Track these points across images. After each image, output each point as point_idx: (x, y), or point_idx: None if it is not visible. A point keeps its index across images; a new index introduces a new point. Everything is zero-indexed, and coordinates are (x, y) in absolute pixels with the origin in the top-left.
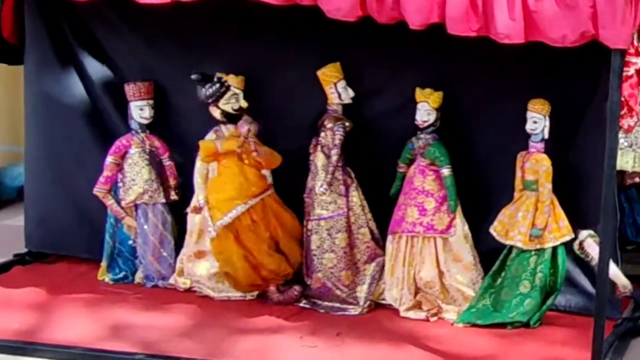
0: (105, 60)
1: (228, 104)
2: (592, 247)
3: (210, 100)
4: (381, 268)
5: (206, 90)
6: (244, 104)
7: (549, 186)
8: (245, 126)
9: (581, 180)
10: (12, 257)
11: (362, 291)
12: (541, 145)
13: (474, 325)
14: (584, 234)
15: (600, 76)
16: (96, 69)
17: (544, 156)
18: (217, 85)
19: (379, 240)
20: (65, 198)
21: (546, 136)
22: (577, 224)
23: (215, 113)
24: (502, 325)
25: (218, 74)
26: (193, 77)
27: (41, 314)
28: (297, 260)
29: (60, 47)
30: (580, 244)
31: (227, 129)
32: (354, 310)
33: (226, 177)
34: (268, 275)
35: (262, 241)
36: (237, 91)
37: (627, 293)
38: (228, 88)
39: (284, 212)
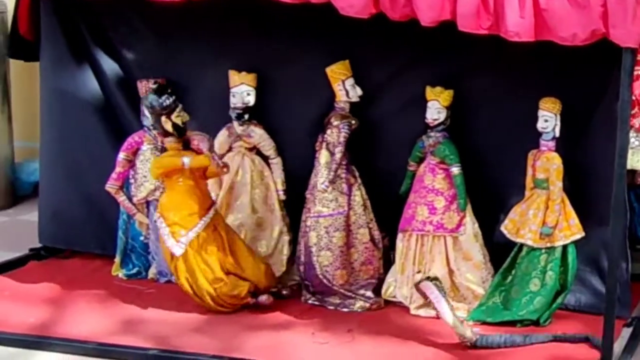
0: (119, 56)
1: (179, 117)
2: (430, 291)
3: (164, 112)
4: (377, 271)
5: (163, 101)
6: (187, 117)
7: (560, 184)
8: (206, 143)
9: (591, 179)
10: (27, 252)
11: (361, 292)
12: (552, 144)
13: (484, 322)
14: (418, 277)
15: (611, 75)
16: (111, 66)
17: (555, 155)
18: (173, 98)
19: (378, 243)
20: (78, 194)
21: (557, 134)
22: (587, 222)
23: (167, 125)
24: (511, 323)
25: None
26: (152, 86)
27: (56, 308)
28: (255, 273)
29: (75, 44)
30: (416, 285)
31: (169, 141)
32: (360, 308)
33: (182, 192)
34: (228, 300)
35: (215, 261)
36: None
37: (467, 343)
38: (178, 103)
39: (228, 226)
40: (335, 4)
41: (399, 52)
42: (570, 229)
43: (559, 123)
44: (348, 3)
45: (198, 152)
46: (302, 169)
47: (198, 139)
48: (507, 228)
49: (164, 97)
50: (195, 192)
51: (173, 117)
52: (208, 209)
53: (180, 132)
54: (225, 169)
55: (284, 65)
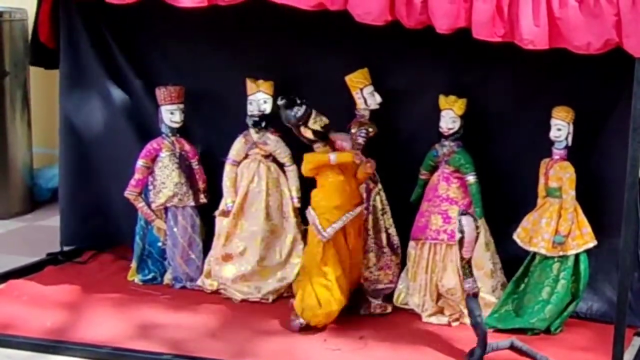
0: (142, 62)
1: (316, 123)
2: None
3: (300, 122)
4: (395, 276)
5: (295, 113)
6: (326, 120)
7: (573, 193)
8: (348, 142)
9: (604, 187)
10: (45, 257)
11: (374, 295)
12: (564, 153)
13: (496, 329)
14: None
15: (625, 83)
16: (133, 71)
17: (568, 163)
18: (304, 107)
19: (397, 248)
20: (100, 196)
21: (569, 143)
22: (600, 231)
23: (307, 134)
24: (523, 331)
25: (297, 97)
26: (280, 102)
27: (72, 313)
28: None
29: (97, 49)
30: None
31: (317, 147)
32: (364, 311)
33: (331, 187)
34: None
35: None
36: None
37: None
38: (312, 108)
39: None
40: (352, 12)
41: (416, 61)
42: (582, 238)
43: (571, 132)
44: (364, 10)
45: (342, 151)
46: None
47: (340, 139)
48: (519, 237)
49: (295, 109)
50: (344, 188)
51: (310, 124)
52: (355, 205)
53: (322, 136)
54: (369, 165)
55: (303, 73)
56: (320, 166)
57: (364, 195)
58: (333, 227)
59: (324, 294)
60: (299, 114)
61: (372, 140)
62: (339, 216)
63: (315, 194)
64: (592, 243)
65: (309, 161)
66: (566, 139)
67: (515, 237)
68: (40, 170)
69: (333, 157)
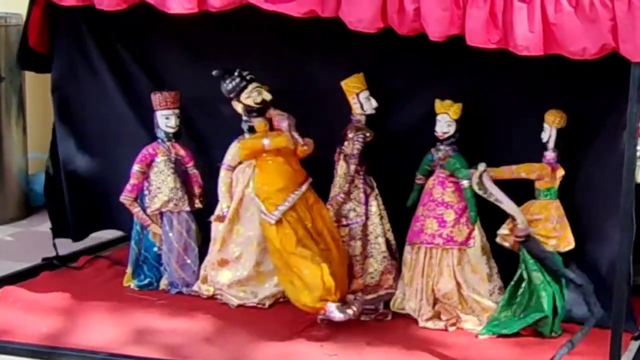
0: (140, 68)
1: (249, 98)
2: (489, 182)
3: (231, 95)
4: (395, 281)
5: (227, 85)
6: (267, 96)
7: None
8: (285, 121)
9: (598, 192)
10: (40, 262)
11: (377, 301)
12: (553, 155)
13: (500, 335)
14: (481, 166)
15: (622, 87)
16: (131, 76)
17: (557, 166)
18: (238, 79)
19: (395, 253)
20: (101, 197)
21: (552, 146)
22: (595, 235)
23: (238, 107)
24: (520, 335)
25: (239, 69)
26: (214, 73)
27: (67, 318)
28: (343, 268)
29: (97, 55)
30: (480, 177)
31: (256, 121)
32: (366, 317)
33: (271, 170)
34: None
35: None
36: (258, 84)
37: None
38: (249, 81)
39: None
40: (344, 19)
41: (412, 66)
42: (565, 240)
43: (554, 135)
44: (356, 18)
45: (279, 131)
46: (321, 180)
47: (278, 119)
48: (505, 239)
49: (226, 82)
50: (285, 169)
51: (242, 98)
52: (300, 184)
53: (256, 112)
54: (306, 147)
55: (299, 78)
56: (259, 150)
57: (362, 200)
58: (279, 210)
59: (314, 270)
60: (230, 86)
61: (369, 144)
62: (284, 198)
63: (256, 180)
64: (570, 246)
65: (244, 147)
66: (553, 142)
67: (498, 240)
68: (36, 175)
69: (267, 142)
